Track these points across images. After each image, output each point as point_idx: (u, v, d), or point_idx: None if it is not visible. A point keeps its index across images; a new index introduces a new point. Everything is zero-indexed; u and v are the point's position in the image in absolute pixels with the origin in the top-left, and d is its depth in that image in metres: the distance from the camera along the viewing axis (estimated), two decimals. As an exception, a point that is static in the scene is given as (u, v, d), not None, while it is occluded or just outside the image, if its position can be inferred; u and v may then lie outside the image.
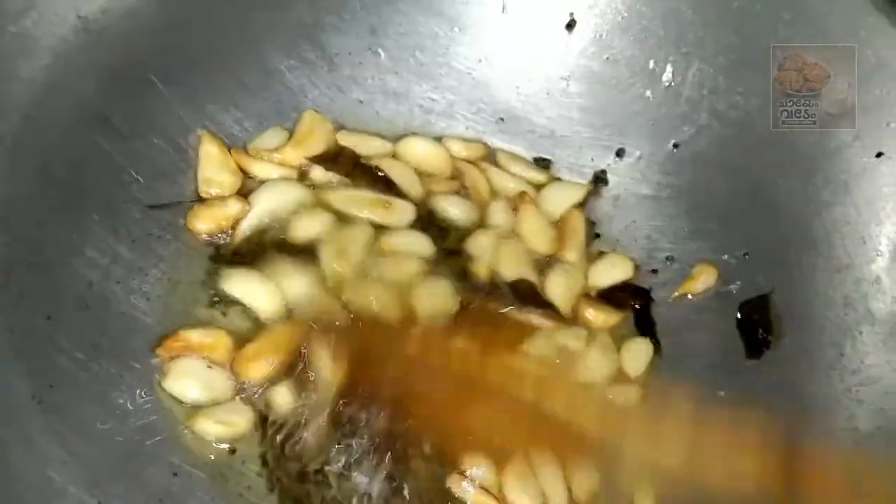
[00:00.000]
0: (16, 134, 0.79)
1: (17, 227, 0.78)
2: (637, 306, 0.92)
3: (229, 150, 0.91)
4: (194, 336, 0.80)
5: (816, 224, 0.90)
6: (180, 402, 0.79)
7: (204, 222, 0.88)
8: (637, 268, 0.95)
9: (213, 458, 0.78)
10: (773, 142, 0.92)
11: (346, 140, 0.96)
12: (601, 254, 0.96)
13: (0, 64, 0.79)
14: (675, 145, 0.98)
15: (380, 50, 1.00)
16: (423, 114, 1.02)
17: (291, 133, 0.95)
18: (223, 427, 0.77)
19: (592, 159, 1.01)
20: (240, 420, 0.78)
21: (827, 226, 0.89)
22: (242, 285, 0.84)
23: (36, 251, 0.78)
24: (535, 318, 0.88)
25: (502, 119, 1.02)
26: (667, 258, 0.96)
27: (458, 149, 1.00)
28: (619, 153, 1.00)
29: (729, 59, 0.93)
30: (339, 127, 0.98)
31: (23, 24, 0.80)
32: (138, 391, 0.78)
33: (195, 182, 0.91)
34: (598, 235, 0.98)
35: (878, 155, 0.87)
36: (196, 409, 0.78)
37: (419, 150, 0.98)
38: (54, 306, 0.78)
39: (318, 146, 0.94)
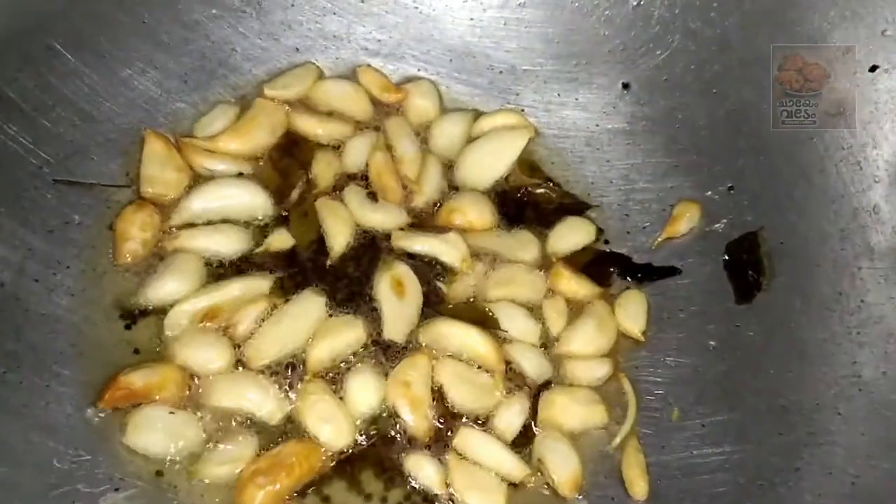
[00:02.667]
0: None
1: None
2: (618, 272, 0.85)
3: (176, 144, 0.82)
4: (137, 379, 0.71)
5: (807, 151, 0.82)
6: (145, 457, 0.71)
7: (135, 228, 0.78)
8: (600, 231, 0.87)
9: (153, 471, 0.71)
10: (755, 62, 0.83)
11: (300, 124, 0.86)
12: (562, 217, 0.87)
13: None
14: (648, 72, 0.88)
15: (314, -13, 0.90)
16: (368, 57, 0.92)
17: (240, 112, 0.86)
18: (231, 465, 0.70)
19: (558, 94, 0.92)
20: (245, 451, 0.71)
21: (819, 152, 0.81)
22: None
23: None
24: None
25: (456, 56, 0.92)
26: (645, 199, 0.88)
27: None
28: (586, 85, 0.90)
29: (702, -31, 0.83)
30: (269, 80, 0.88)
31: None
32: (67, 405, 0.70)
33: (119, 161, 0.82)
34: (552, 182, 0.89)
35: (873, 69, 0.78)
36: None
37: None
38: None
39: (268, 136, 0.85)
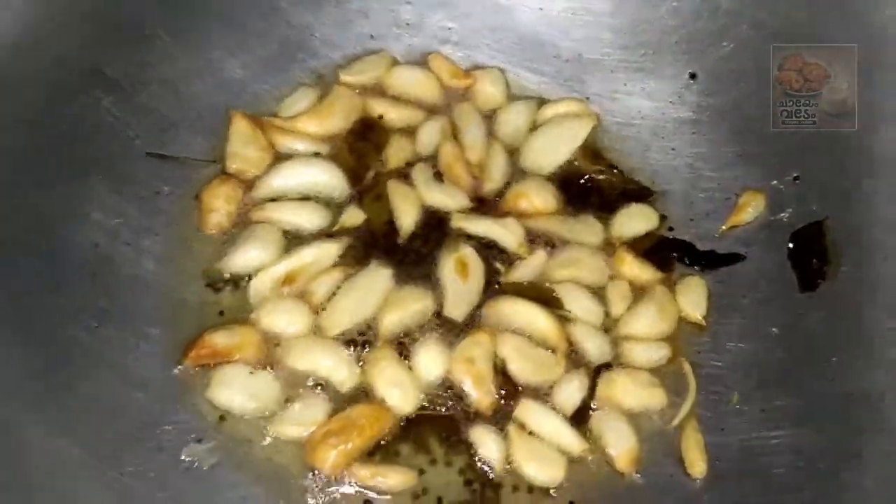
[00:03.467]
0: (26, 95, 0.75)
1: (14, 193, 0.74)
2: (680, 257, 0.86)
3: (259, 124, 0.86)
4: (220, 339, 0.76)
5: (875, 140, 0.81)
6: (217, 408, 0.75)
7: (220, 201, 0.83)
8: (663, 218, 0.88)
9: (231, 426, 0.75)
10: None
11: (374, 108, 0.90)
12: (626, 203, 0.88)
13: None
14: (714, 62, 0.89)
15: (389, -22, 0.93)
16: (439, 45, 0.95)
17: (320, 95, 0.90)
18: (303, 426, 0.74)
19: (625, 83, 0.93)
20: (317, 413, 0.74)
21: (887, 142, 0.81)
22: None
23: (38, 219, 0.75)
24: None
25: (525, 45, 0.94)
26: (709, 188, 0.89)
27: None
28: (653, 74, 0.92)
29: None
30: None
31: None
32: (155, 361, 0.75)
33: (205, 137, 0.86)
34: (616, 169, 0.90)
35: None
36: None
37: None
38: (60, 273, 0.74)
39: (344, 121, 0.89)
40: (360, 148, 0.89)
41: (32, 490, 0.66)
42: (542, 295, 0.83)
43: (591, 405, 0.78)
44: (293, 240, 0.83)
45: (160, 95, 0.85)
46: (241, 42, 0.90)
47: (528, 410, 0.76)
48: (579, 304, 0.82)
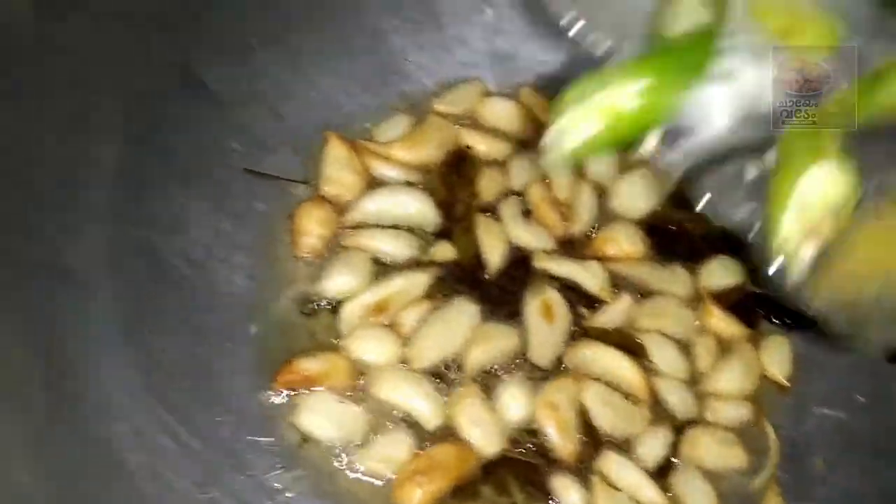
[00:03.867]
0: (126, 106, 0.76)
1: (115, 205, 0.74)
2: (766, 315, 0.85)
3: (356, 148, 0.86)
4: (310, 365, 0.76)
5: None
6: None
7: (313, 224, 0.83)
8: (752, 272, 0.86)
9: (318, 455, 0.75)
10: None
11: (465, 139, 0.90)
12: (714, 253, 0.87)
13: (97, 34, 0.73)
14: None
15: (488, 8, 0.93)
16: (531, 77, 0.95)
17: (415, 122, 0.90)
18: (388, 463, 0.74)
19: (718, 131, 0.92)
20: (399, 454, 0.74)
21: None
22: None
23: (137, 230, 0.75)
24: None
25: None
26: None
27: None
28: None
29: None
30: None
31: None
32: (244, 383, 0.75)
33: (299, 156, 0.86)
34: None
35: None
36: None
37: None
38: (160, 289, 0.75)
39: (437, 150, 0.88)
40: (453, 180, 0.88)
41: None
42: (626, 342, 0.82)
43: (673, 461, 0.77)
44: (382, 268, 0.83)
45: (257, 113, 0.85)
46: (338, 61, 0.90)
47: (611, 462, 0.76)
48: (664, 355, 0.81)
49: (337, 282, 0.80)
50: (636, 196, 0.90)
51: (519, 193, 0.89)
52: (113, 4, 0.75)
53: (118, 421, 0.68)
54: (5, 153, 0.68)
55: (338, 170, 0.85)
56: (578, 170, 0.91)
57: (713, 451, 0.78)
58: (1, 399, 0.63)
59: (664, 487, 0.76)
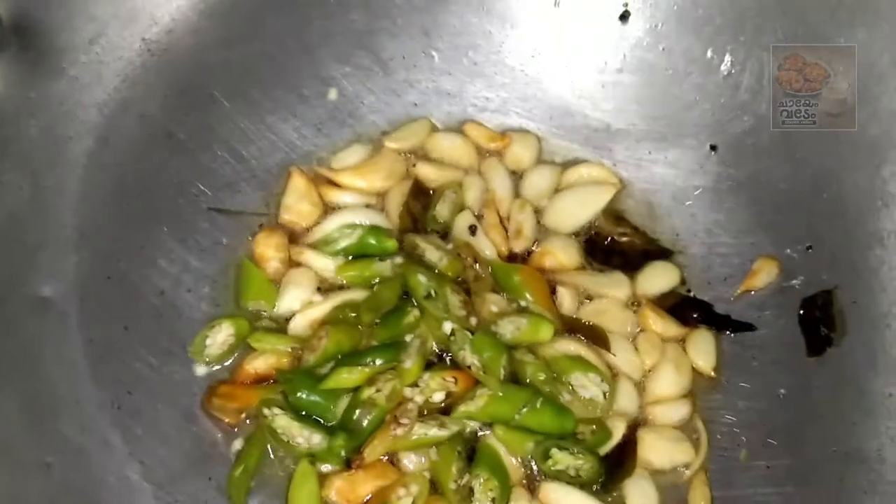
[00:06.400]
0: (90, 155, 0.85)
1: (93, 243, 0.84)
2: (700, 318, 0.92)
3: (313, 180, 0.95)
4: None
5: (883, 217, 0.86)
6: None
7: (271, 250, 0.91)
8: (683, 278, 0.94)
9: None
10: (838, 132, 0.88)
11: (419, 171, 0.98)
12: (650, 261, 0.95)
13: (74, 93, 0.84)
14: (734, 136, 0.95)
15: (433, 52, 1.01)
16: (476, 112, 1.03)
17: (370, 152, 0.98)
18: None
19: (650, 152, 1.00)
20: None
21: (894, 219, 0.86)
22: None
23: (111, 264, 0.84)
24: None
25: (556, 114, 1.02)
26: (727, 253, 0.95)
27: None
28: (676, 145, 0.98)
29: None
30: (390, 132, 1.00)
31: (93, 53, 0.86)
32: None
33: (260, 193, 0.95)
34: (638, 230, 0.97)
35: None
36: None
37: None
38: (130, 316, 0.83)
39: (386, 179, 0.96)
40: (414, 208, 0.96)
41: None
42: (594, 332, 0.88)
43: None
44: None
45: (220, 156, 0.94)
46: (296, 107, 0.99)
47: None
48: (622, 353, 0.88)
49: (286, 300, 0.88)
50: (569, 213, 0.96)
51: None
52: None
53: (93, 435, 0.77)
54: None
55: (297, 200, 0.93)
56: (517, 190, 0.98)
57: (662, 451, 0.83)
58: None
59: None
